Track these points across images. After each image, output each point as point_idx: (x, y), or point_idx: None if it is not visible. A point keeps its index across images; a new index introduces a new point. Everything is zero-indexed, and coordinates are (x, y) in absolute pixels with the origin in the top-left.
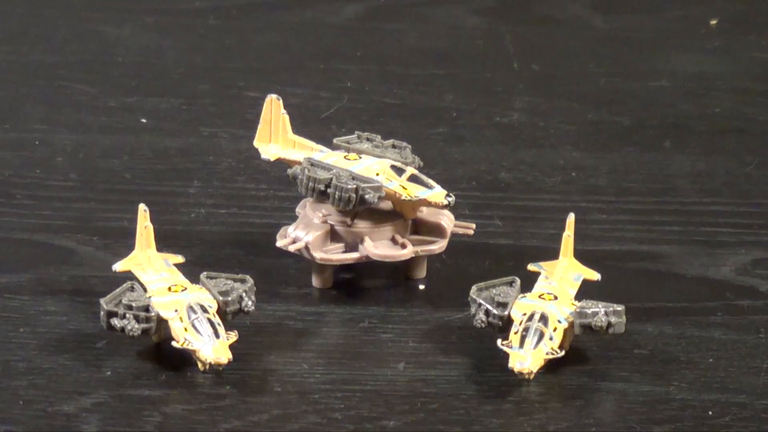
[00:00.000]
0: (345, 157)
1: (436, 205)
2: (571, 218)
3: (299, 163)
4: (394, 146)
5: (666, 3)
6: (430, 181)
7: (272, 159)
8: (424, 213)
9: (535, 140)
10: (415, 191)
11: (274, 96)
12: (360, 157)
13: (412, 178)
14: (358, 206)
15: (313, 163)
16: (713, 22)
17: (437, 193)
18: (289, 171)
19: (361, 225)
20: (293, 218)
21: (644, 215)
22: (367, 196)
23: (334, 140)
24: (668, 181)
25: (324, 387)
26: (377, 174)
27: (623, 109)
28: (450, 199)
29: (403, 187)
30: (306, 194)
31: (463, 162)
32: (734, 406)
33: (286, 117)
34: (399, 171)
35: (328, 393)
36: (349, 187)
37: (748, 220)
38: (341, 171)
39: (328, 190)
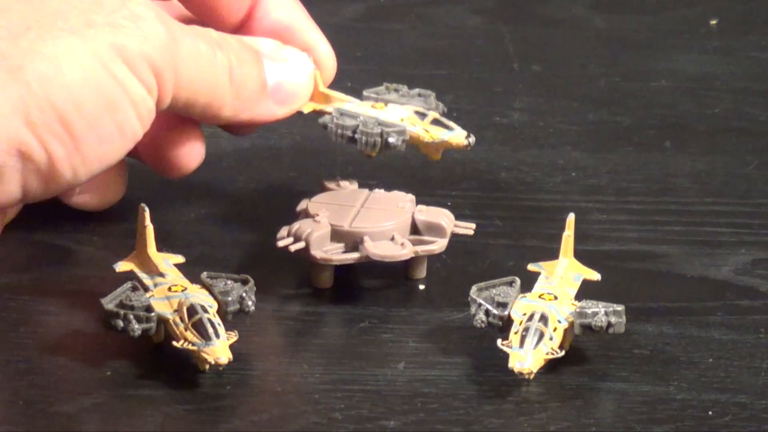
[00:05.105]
0: (372, 106)
1: (458, 146)
2: (571, 218)
3: (330, 113)
4: (419, 94)
5: (666, 3)
6: (452, 124)
7: (306, 111)
8: (425, 213)
9: (535, 140)
10: (437, 134)
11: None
12: (386, 106)
13: (435, 122)
14: (384, 149)
15: (342, 113)
16: (713, 22)
17: (457, 134)
18: (320, 120)
19: (361, 225)
20: (293, 218)
21: (644, 215)
22: (390, 140)
23: (364, 92)
24: (668, 181)
25: (324, 387)
26: (401, 120)
27: (623, 109)
28: (471, 139)
29: (426, 131)
30: (335, 140)
31: (463, 162)
32: (734, 406)
33: (317, 71)
34: (422, 116)
35: (328, 393)
36: (375, 131)
37: (748, 220)
38: (368, 118)
39: (356, 136)
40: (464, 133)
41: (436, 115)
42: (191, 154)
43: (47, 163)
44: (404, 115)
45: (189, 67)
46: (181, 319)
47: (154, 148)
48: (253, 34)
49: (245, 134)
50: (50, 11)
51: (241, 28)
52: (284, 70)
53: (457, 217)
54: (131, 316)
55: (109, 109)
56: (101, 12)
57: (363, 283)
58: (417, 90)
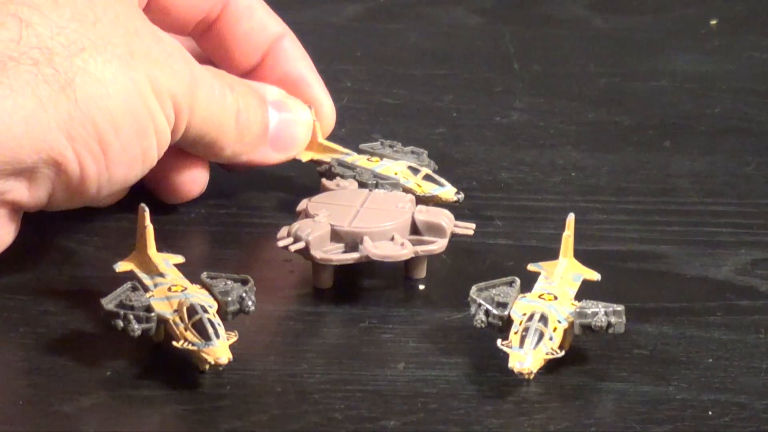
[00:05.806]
0: (368, 159)
1: (447, 202)
2: (571, 218)
3: (328, 163)
4: (413, 152)
5: (666, 3)
6: (442, 180)
7: (304, 159)
8: (425, 213)
9: (535, 140)
10: (429, 189)
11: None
12: (381, 160)
13: (427, 177)
14: None
15: (340, 163)
16: (713, 22)
17: (447, 191)
18: (318, 169)
19: (361, 225)
20: (293, 218)
21: (644, 215)
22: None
23: (360, 146)
24: (668, 181)
25: (324, 387)
26: (395, 173)
27: (623, 109)
28: (459, 196)
29: (418, 185)
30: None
31: (463, 162)
32: (734, 406)
33: (318, 123)
34: (415, 171)
35: (328, 393)
36: (371, 183)
37: (748, 220)
38: (364, 170)
39: None
40: (453, 190)
41: (429, 171)
42: (194, 182)
43: (78, 178)
44: (398, 169)
45: (203, 107)
46: (181, 319)
47: (159, 174)
48: (261, 81)
49: (239, 172)
50: (101, 35)
51: (251, 73)
52: (285, 119)
53: (457, 217)
54: (131, 316)
55: (140, 134)
56: (141, 44)
57: (363, 283)
58: (410, 147)
